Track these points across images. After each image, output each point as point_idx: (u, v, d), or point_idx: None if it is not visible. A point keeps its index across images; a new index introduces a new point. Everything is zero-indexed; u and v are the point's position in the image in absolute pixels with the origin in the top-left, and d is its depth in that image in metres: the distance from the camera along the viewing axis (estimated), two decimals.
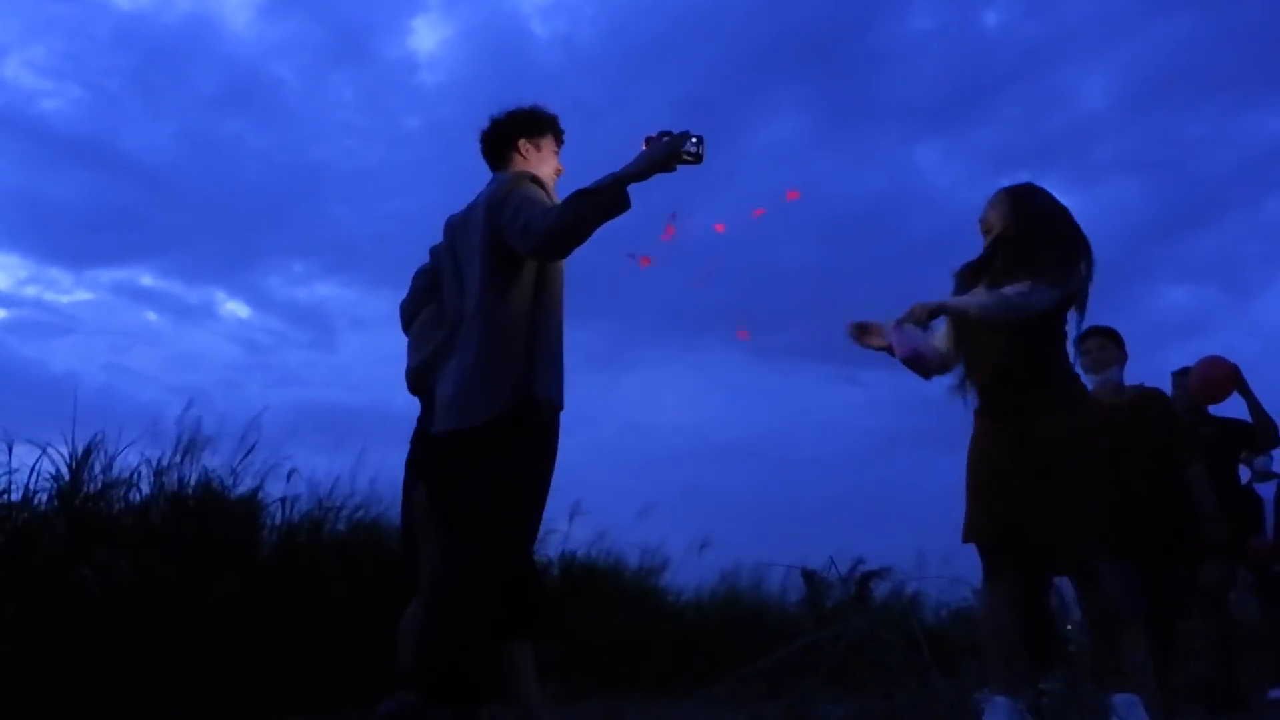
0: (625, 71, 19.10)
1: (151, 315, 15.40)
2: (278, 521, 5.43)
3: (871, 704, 3.67)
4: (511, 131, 3.23)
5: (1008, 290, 3.10)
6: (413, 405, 3.88)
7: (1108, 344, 4.25)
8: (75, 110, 14.96)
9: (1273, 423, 4.86)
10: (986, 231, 3.42)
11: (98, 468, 4.71)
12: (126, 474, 4.82)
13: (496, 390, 2.87)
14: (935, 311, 3.22)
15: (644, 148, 2.97)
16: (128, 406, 4.70)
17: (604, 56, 18.79)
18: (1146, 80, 18.47)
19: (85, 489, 4.64)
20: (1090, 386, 3.50)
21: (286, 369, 16.17)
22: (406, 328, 3.53)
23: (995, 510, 3.05)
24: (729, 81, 20.11)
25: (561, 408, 3.02)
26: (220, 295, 17.05)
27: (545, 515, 3.08)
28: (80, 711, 3.97)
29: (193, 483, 5.05)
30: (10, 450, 4.50)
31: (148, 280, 16.11)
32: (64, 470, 4.59)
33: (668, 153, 2.89)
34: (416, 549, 3.57)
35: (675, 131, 2.94)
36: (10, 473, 4.48)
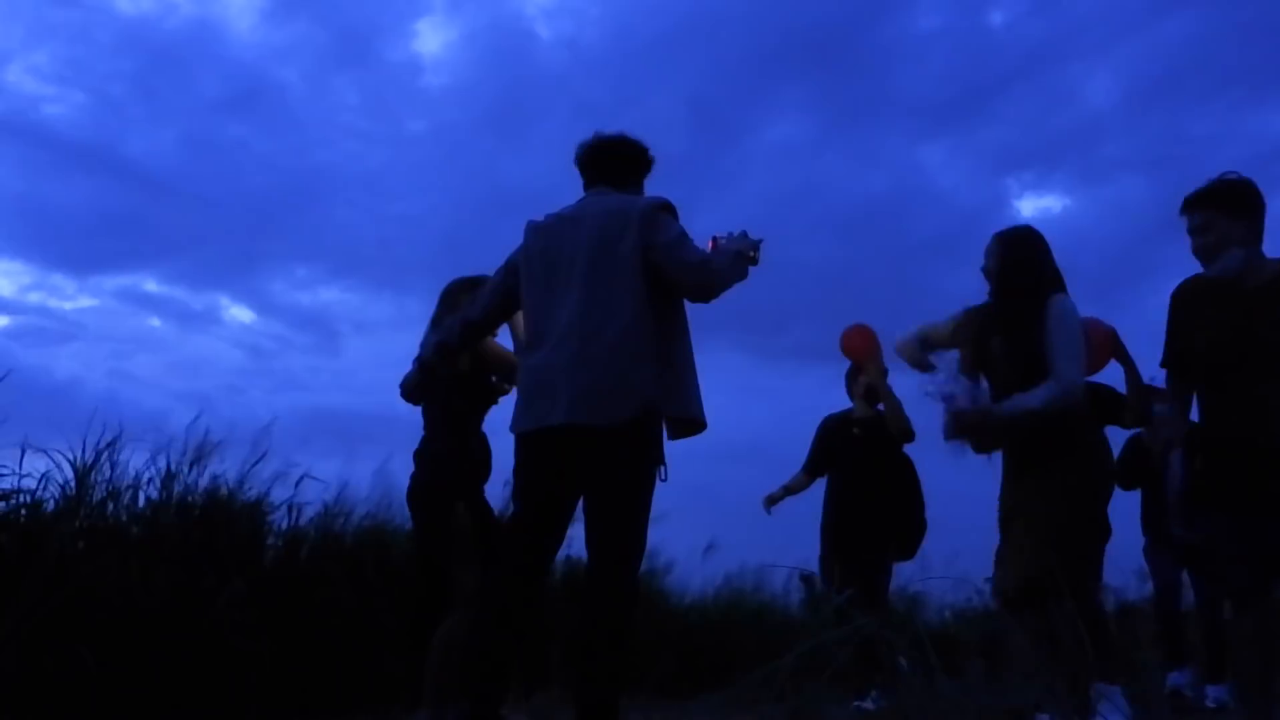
0: (630, 73, 19.13)
1: (155, 321, 15.43)
2: (284, 527, 5.44)
3: (877, 705, 3.67)
4: (636, 161, 3.38)
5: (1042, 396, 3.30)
6: (415, 409, 3.89)
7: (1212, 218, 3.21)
8: (78, 116, 14.98)
9: (1149, 397, 4.25)
10: (989, 279, 3.54)
11: (104, 474, 4.71)
12: (132, 480, 4.83)
13: (627, 397, 2.91)
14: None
15: (710, 245, 3.21)
16: (132, 413, 4.73)
17: (608, 58, 18.82)
18: (1152, 78, 18.48)
19: (91, 495, 4.65)
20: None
21: (290, 374, 16.20)
22: (467, 328, 3.49)
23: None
24: (734, 81, 20.14)
25: (705, 426, 3.14)
26: (224, 300, 17.10)
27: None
28: (86, 716, 3.97)
29: (199, 488, 5.05)
30: (22, 456, 4.51)
31: (151, 286, 16.14)
32: (70, 476, 4.60)
33: (745, 248, 3.19)
34: (441, 567, 3.60)
35: (744, 233, 3.25)
36: (20, 478, 4.49)
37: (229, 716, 4.42)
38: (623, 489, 2.93)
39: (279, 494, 5.37)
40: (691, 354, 3.15)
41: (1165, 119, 19.61)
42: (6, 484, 4.45)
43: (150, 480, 4.88)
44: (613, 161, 3.32)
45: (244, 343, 16.38)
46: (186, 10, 16.74)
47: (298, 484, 5.39)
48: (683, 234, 3.06)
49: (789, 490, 5.83)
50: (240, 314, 17.26)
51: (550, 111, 19.16)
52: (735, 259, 3.14)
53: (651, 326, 2.98)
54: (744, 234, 3.23)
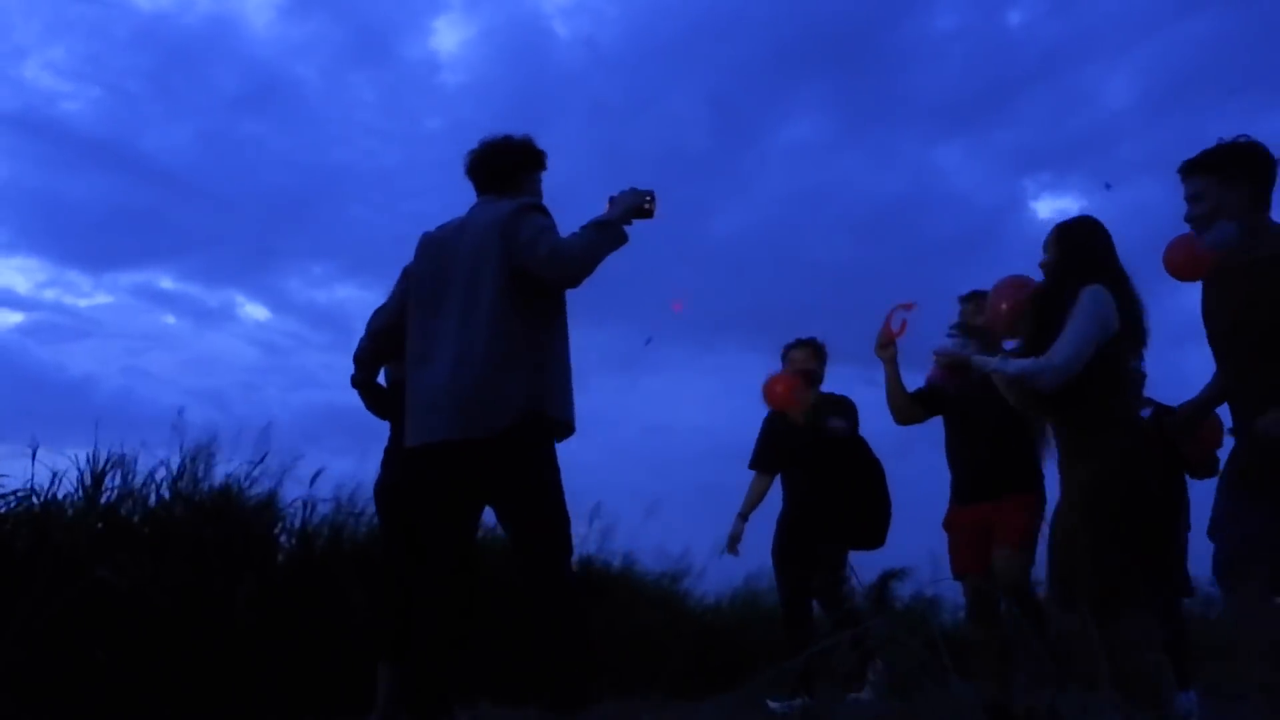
0: (647, 72, 19.12)
1: (170, 318, 15.52)
2: (296, 525, 5.45)
3: (890, 706, 3.65)
4: (518, 163, 3.36)
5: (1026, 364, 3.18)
6: None
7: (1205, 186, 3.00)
8: (95, 111, 15.06)
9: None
10: (1044, 270, 3.47)
11: (117, 471, 4.73)
12: (146, 477, 4.85)
13: (505, 406, 2.95)
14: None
15: (608, 205, 3.23)
16: (146, 410, 4.74)
17: (626, 57, 18.81)
18: (1169, 80, 18.34)
19: (105, 493, 4.67)
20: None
21: (305, 371, 16.26)
22: (372, 343, 3.51)
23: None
24: (751, 81, 20.10)
25: (573, 430, 3.14)
26: (239, 298, 17.21)
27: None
28: (98, 713, 3.98)
29: (211, 486, 5.06)
30: (34, 454, 4.53)
31: (167, 283, 16.23)
32: (85, 473, 4.62)
33: (631, 202, 3.21)
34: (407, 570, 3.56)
35: (631, 189, 3.26)
36: (32, 475, 4.51)
37: (241, 713, 4.43)
38: (515, 495, 3.00)
39: (292, 491, 5.39)
40: (568, 355, 3.17)
41: (1182, 120, 19.46)
42: (21, 481, 4.48)
43: (163, 479, 4.90)
44: (494, 167, 3.35)
45: (259, 340, 16.46)
46: (204, 7, 16.83)
47: (312, 482, 5.40)
48: (541, 229, 3.08)
49: (745, 511, 5.58)
50: (255, 311, 17.36)
51: (567, 110, 19.18)
52: (599, 232, 3.13)
53: (522, 333, 3.02)
54: (631, 190, 3.26)
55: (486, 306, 3.03)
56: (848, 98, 20.39)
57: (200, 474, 5.04)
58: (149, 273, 18.19)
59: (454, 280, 3.14)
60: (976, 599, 4.16)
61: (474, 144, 3.32)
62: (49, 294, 14.55)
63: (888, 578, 9.33)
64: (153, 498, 4.88)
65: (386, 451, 3.79)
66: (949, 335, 3.74)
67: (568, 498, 3.08)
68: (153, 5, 15.95)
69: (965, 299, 4.44)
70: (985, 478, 4.17)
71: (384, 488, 3.73)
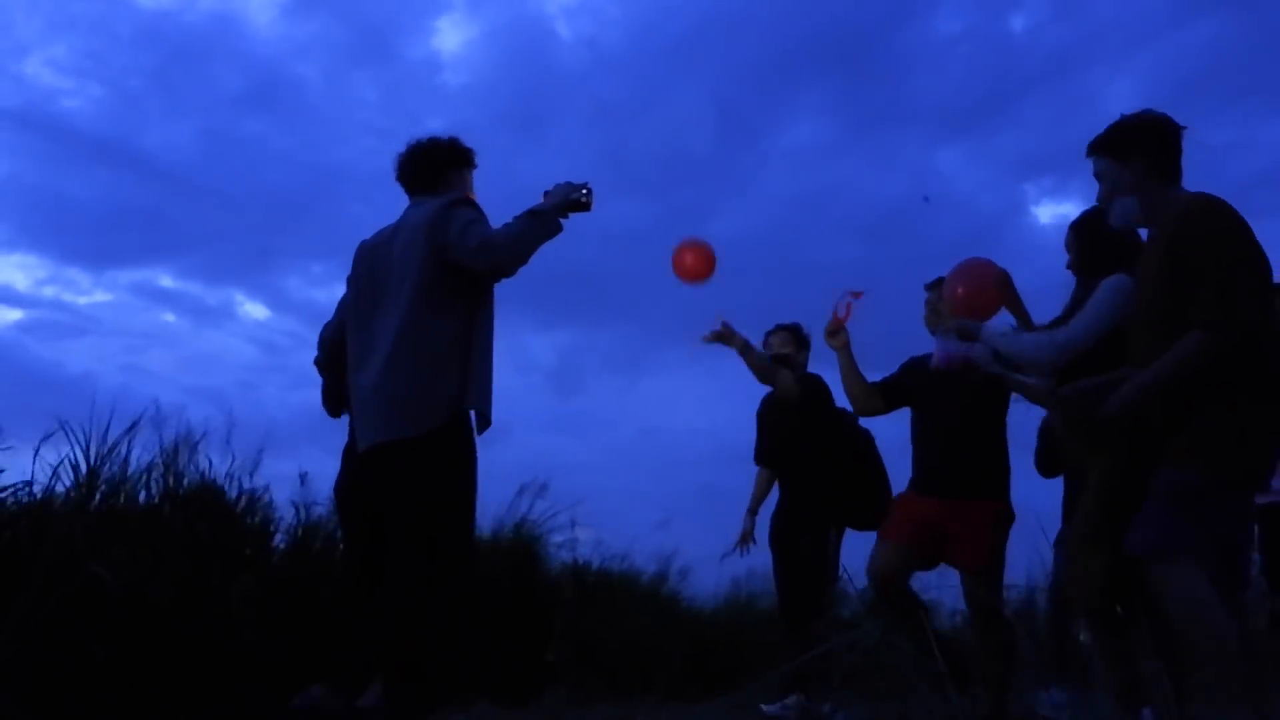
0: (650, 74, 19.11)
1: (170, 316, 15.49)
2: (293, 522, 5.45)
3: (885, 710, 3.64)
4: (444, 162, 3.41)
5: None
6: None
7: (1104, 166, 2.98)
8: (96, 109, 15.05)
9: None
10: (1071, 269, 3.46)
11: (113, 467, 4.72)
12: (141, 473, 4.84)
13: (435, 404, 2.99)
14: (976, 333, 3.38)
15: (543, 198, 3.30)
16: (145, 408, 4.76)
17: (628, 58, 18.80)
18: (1172, 85, 18.32)
19: (100, 488, 4.66)
20: None
21: (304, 371, 16.17)
22: (324, 353, 3.58)
23: None
24: (754, 84, 20.09)
25: (490, 423, 3.15)
26: (239, 296, 17.17)
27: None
28: (94, 709, 3.98)
29: (205, 482, 5.05)
30: (36, 452, 4.52)
31: (167, 281, 16.22)
32: (81, 468, 4.61)
33: (566, 194, 3.27)
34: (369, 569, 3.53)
35: (567, 183, 3.33)
36: (32, 472, 4.50)
37: (238, 710, 4.42)
38: (427, 498, 3.02)
39: (289, 490, 5.39)
40: (491, 349, 3.18)
41: (1185, 125, 19.49)
42: (18, 477, 4.48)
43: (157, 475, 4.89)
44: (421, 169, 3.39)
45: (258, 339, 16.43)
46: (206, 5, 16.81)
47: (302, 480, 5.41)
48: (470, 222, 3.11)
49: (753, 506, 5.55)
50: (255, 310, 17.33)
51: (570, 111, 19.18)
52: (531, 221, 3.17)
53: (450, 331, 3.05)
54: (567, 184, 3.33)
55: (413, 306, 3.06)
56: (850, 101, 20.39)
57: (195, 471, 5.02)
58: (149, 271, 18.14)
59: (385, 284, 3.18)
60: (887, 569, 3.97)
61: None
62: (48, 291, 14.55)
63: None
64: (146, 495, 4.87)
65: (345, 451, 3.77)
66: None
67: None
68: (154, 3, 15.95)
69: (930, 286, 4.37)
70: (941, 472, 4.01)
71: (345, 488, 3.72)
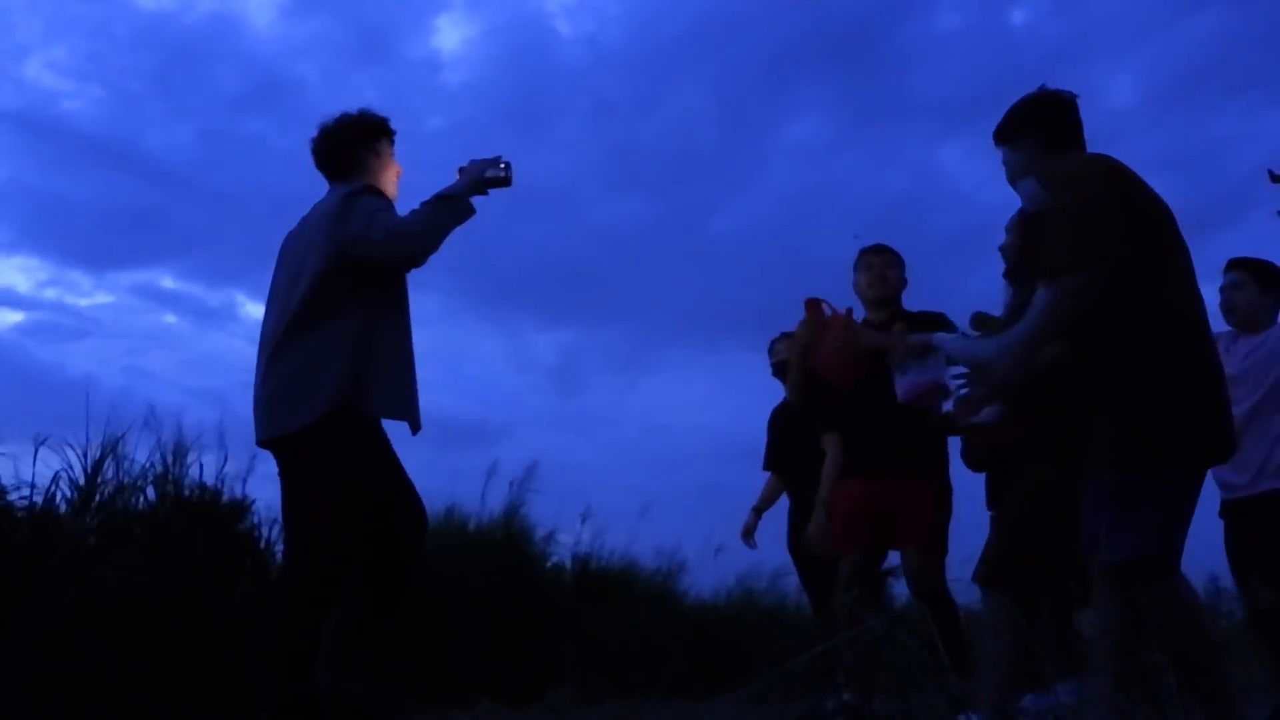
0: (651, 70, 19.12)
1: (171, 318, 15.50)
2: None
3: (888, 705, 3.64)
4: (348, 141, 3.21)
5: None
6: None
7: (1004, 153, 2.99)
8: (97, 111, 15.06)
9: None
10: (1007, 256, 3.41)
11: (114, 470, 4.72)
12: (142, 476, 4.83)
13: (312, 402, 2.88)
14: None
15: (458, 175, 3.13)
16: (146, 410, 4.75)
17: (629, 55, 18.81)
18: (1174, 79, 18.32)
19: (101, 492, 4.65)
20: None
21: None
22: None
23: None
24: (755, 80, 20.10)
25: (419, 427, 3.06)
26: (240, 297, 17.12)
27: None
28: (96, 712, 3.97)
29: (206, 486, 5.04)
30: (36, 454, 4.51)
31: (168, 282, 16.23)
32: (81, 472, 4.61)
33: (480, 171, 3.08)
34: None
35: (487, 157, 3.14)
36: (33, 475, 4.50)
37: (241, 713, 4.42)
38: (305, 496, 2.96)
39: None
40: (402, 348, 3.07)
41: (1186, 120, 19.47)
42: (20, 480, 4.47)
43: (155, 478, 4.88)
44: (328, 152, 3.23)
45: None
46: (205, 6, 16.82)
47: None
48: (374, 211, 2.97)
49: (761, 506, 5.55)
50: (256, 311, 17.21)
51: (570, 109, 19.18)
52: (440, 206, 3.02)
53: (341, 327, 2.94)
54: (481, 160, 3.15)
55: (301, 303, 2.96)
56: (851, 97, 20.40)
57: (199, 473, 5.01)
58: (150, 272, 18.19)
59: (284, 277, 3.10)
60: (854, 582, 3.94)
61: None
62: (49, 293, 14.55)
63: (885, 575, 9.27)
64: (144, 499, 4.86)
65: None
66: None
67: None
68: (154, 4, 15.97)
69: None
70: (886, 452, 3.96)
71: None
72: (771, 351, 5.31)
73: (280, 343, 2.98)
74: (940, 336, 3.29)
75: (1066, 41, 19.20)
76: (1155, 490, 2.45)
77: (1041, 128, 2.83)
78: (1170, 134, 19.50)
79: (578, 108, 19.05)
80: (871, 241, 4.25)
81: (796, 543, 5.10)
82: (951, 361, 3.17)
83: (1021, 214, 3.20)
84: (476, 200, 3.14)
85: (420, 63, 18.25)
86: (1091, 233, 2.47)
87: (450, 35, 19.62)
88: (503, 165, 3.13)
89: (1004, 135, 2.90)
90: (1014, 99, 2.95)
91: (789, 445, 5.27)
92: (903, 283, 4.23)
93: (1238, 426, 3.77)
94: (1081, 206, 2.51)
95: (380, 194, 3.11)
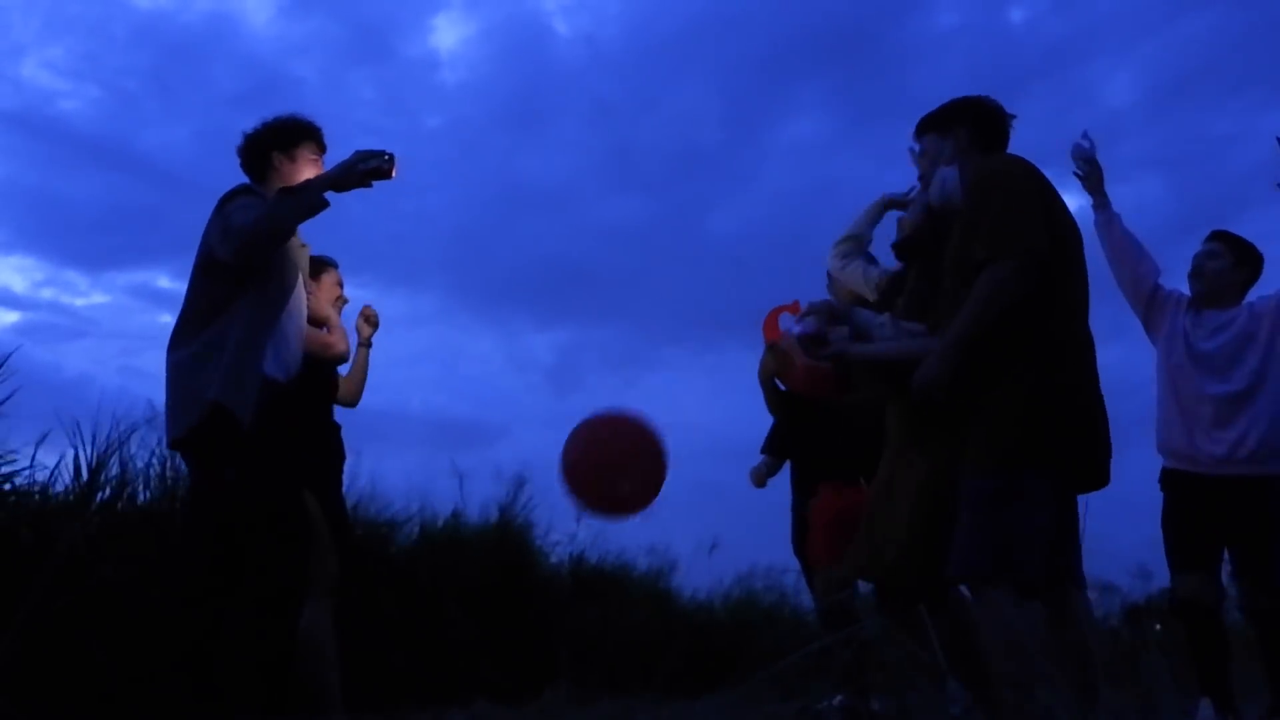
0: (648, 70, 19.17)
1: (167, 318, 15.43)
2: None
3: (884, 705, 3.65)
4: (265, 144, 3.21)
5: None
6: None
7: (925, 144, 3.06)
8: (93, 110, 15.08)
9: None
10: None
11: (113, 469, 4.72)
12: (140, 475, 4.84)
13: (194, 402, 2.92)
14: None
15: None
16: (143, 410, 4.76)
17: (626, 54, 18.86)
18: (1172, 77, 18.40)
19: (102, 490, 4.66)
20: None
21: None
22: None
23: None
24: (753, 78, 20.16)
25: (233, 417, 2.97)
26: None
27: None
28: (95, 710, 3.98)
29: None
30: (35, 454, 4.52)
31: (164, 282, 16.24)
32: (81, 471, 4.61)
33: (354, 161, 2.99)
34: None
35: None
36: (31, 473, 4.50)
37: (238, 712, 4.43)
38: (192, 498, 3.12)
39: None
40: (251, 341, 3.00)
41: (1184, 118, 19.55)
42: (21, 478, 4.47)
43: (155, 476, 4.89)
44: (245, 158, 3.24)
45: None
46: (203, 5, 16.84)
47: None
48: (235, 210, 2.97)
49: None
50: None
51: (567, 108, 19.22)
52: (283, 201, 2.97)
53: (215, 327, 2.97)
54: (356, 152, 3.08)
55: (185, 304, 3.04)
56: (849, 95, 20.48)
57: (179, 470, 5.00)
58: (146, 272, 18.20)
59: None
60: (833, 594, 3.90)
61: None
62: (46, 293, 14.56)
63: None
64: (144, 496, 4.87)
65: None
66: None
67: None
68: (151, 3, 15.99)
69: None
70: (860, 456, 3.84)
71: None
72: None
73: (169, 349, 3.04)
74: (866, 316, 3.20)
75: (1065, 40, 19.32)
76: (1014, 503, 2.44)
77: (975, 124, 2.88)
78: (1167, 132, 19.62)
79: (575, 107, 19.13)
80: None
81: (802, 543, 4.96)
82: (858, 336, 3.10)
83: (927, 200, 3.13)
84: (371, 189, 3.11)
85: (418, 62, 18.31)
86: (1019, 224, 2.53)
87: (448, 34, 19.69)
88: (385, 158, 3.07)
89: (934, 123, 2.93)
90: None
91: (795, 434, 5.03)
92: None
93: (1220, 408, 3.80)
94: (1009, 199, 2.57)
95: (251, 191, 3.12)
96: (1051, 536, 2.49)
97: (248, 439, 2.94)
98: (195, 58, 16.01)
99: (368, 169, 3.04)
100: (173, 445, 3.06)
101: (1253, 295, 4.03)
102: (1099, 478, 2.62)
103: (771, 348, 3.83)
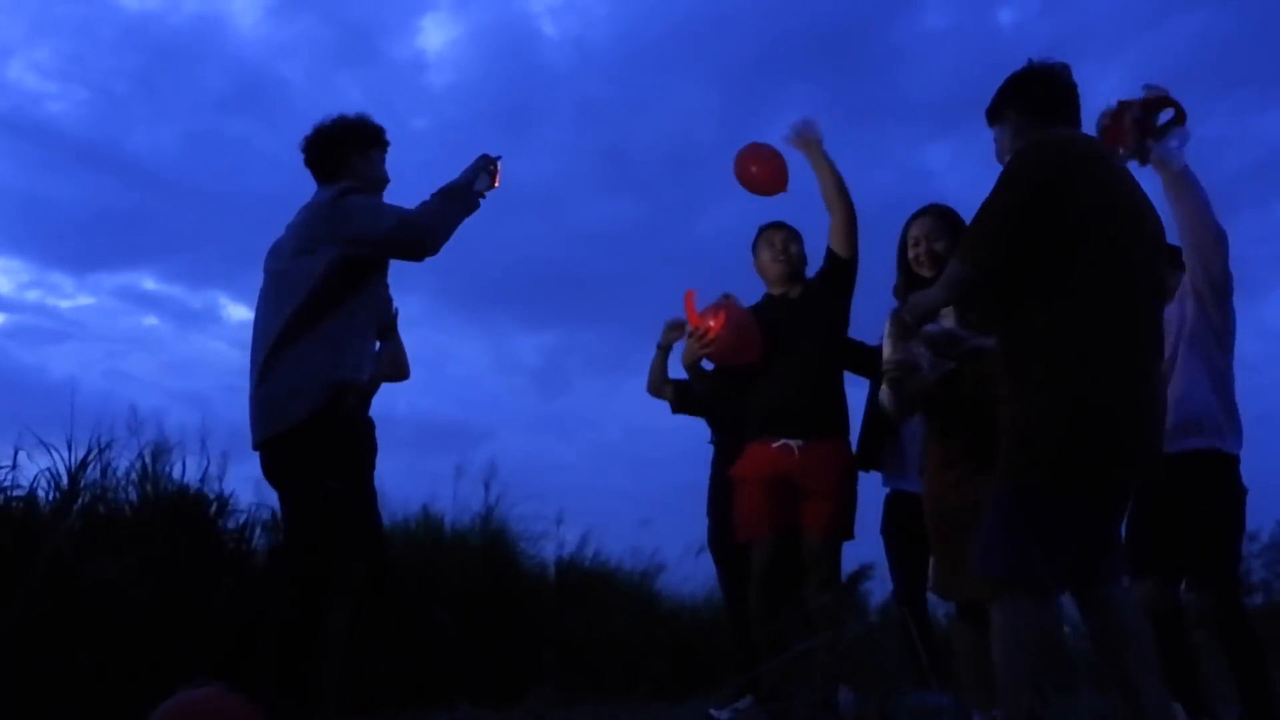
0: (636, 71, 19.15)
1: (153, 320, 15.39)
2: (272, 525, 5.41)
3: (868, 708, 3.67)
4: (342, 144, 3.22)
5: None
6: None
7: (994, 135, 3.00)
8: (81, 112, 14.98)
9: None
10: None
11: (96, 472, 4.70)
12: (123, 478, 4.81)
13: (307, 392, 2.95)
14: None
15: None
16: (128, 412, 4.74)
17: (615, 57, 18.84)
18: (1162, 79, 18.48)
19: (84, 494, 4.64)
20: None
21: None
22: None
23: None
24: (741, 80, 20.16)
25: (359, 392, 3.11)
26: (223, 299, 17.05)
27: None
28: (77, 714, 3.96)
29: (185, 488, 5.02)
30: (15, 456, 4.49)
31: (150, 284, 16.14)
32: (63, 473, 4.59)
33: (485, 166, 3.17)
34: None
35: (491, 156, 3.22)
36: (13, 476, 4.47)
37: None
38: (290, 494, 3.05)
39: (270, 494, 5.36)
40: (361, 323, 3.09)
41: None
42: (3, 481, 4.45)
43: (135, 480, 4.86)
44: (320, 152, 3.24)
45: (243, 342, 16.19)
46: (190, 6, 16.76)
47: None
48: (374, 206, 3.04)
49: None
50: (239, 312, 17.18)
51: (556, 110, 19.21)
52: (449, 199, 3.07)
53: (328, 327, 2.99)
54: (482, 157, 3.22)
55: (302, 302, 2.99)
56: (837, 97, 20.54)
57: (162, 474, 4.99)
58: (132, 274, 18.06)
59: (272, 283, 3.13)
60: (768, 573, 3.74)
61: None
62: (31, 295, 14.44)
63: (856, 577, 9.27)
64: (126, 499, 4.84)
65: None
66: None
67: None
68: (139, 5, 15.91)
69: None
70: (791, 411, 3.79)
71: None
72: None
73: (276, 346, 3.00)
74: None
75: (1055, 41, 19.43)
76: (1029, 509, 2.45)
77: (1023, 100, 2.83)
78: None
79: (563, 109, 19.11)
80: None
81: (720, 529, 4.64)
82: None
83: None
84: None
85: (405, 63, 18.26)
86: (981, 235, 2.57)
87: (435, 35, 19.63)
88: (493, 165, 3.22)
89: (990, 115, 2.93)
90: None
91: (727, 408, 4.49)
92: (804, 259, 4.21)
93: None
94: (992, 204, 2.57)
95: (367, 190, 3.15)
96: (1069, 543, 2.49)
97: (349, 440, 3.07)
98: (182, 60, 15.95)
99: (490, 174, 3.20)
100: (285, 434, 2.98)
101: None
102: (1128, 483, 2.60)
103: (693, 332, 3.89)
